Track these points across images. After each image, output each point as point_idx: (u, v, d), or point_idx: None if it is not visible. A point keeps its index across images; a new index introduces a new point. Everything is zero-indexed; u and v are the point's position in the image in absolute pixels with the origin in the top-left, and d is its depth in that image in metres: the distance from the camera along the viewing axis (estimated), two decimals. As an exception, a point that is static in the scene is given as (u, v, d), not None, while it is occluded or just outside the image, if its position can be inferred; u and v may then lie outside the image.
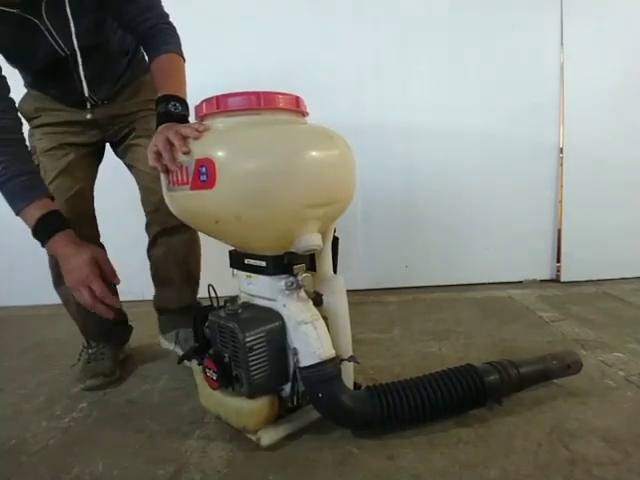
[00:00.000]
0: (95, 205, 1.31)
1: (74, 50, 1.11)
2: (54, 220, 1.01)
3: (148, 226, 1.33)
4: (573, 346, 1.32)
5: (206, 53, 1.94)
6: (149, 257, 1.36)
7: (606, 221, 2.02)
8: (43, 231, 1.00)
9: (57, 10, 1.03)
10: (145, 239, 1.36)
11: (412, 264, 2.11)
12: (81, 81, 1.16)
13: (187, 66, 1.90)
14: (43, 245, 1.02)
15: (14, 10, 0.98)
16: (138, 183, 1.30)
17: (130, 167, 1.32)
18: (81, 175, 1.25)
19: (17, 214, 1.01)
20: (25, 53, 1.08)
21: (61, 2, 1.03)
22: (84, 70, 1.15)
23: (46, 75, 1.16)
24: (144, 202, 1.30)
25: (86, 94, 1.18)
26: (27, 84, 1.24)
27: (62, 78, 1.16)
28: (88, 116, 1.22)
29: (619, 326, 1.47)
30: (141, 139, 1.25)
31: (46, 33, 1.05)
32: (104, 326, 1.27)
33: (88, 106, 1.21)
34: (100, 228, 1.32)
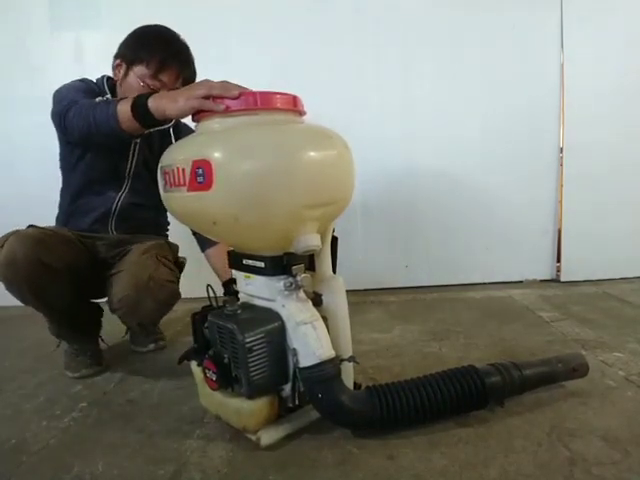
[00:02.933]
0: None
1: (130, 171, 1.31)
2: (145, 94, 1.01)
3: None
4: (573, 346, 1.32)
5: (206, 53, 1.94)
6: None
7: (606, 221, 2.02)
8: (142, 97, 0.99)
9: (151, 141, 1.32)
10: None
11: (412, 264, 2.11)
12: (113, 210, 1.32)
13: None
14: (145, 107, 0.96)
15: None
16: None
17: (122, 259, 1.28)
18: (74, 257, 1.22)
19: (113, 112, 1.01)
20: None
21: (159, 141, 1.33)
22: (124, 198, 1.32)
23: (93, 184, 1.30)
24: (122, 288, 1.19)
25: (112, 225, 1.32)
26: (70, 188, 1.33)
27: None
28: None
29: (619, 326, 1.47)
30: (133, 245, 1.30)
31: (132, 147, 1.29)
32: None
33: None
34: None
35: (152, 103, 0.96)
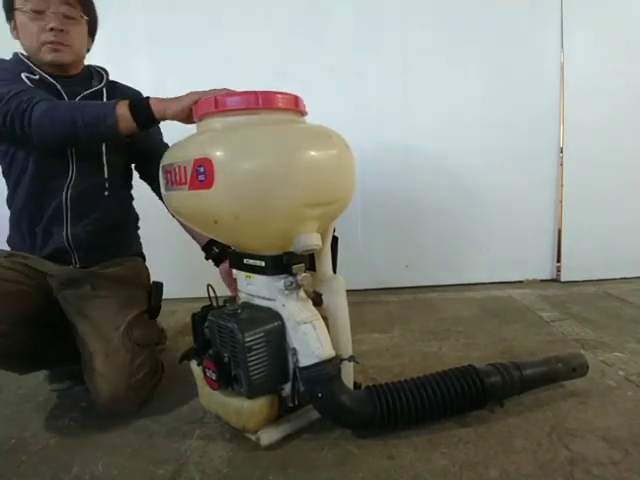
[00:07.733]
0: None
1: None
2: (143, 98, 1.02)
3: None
4: (573, 346, 1.32)
5: (206, 53, 1.94)
6: None
7: (606, 221, 2.02)
8: (141, 99, 1.01)
9: None
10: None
11: (412, 264, 2.11)
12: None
13: (188, 66, 1.91)
14: (146, 107, 0.97)
15: None
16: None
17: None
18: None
19: (111, 113, 0.97)
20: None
21: None
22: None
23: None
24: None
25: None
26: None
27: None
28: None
29: (619, 326, 1.47)
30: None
31: None
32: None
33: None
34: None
35: (153, 104, 0.98)
